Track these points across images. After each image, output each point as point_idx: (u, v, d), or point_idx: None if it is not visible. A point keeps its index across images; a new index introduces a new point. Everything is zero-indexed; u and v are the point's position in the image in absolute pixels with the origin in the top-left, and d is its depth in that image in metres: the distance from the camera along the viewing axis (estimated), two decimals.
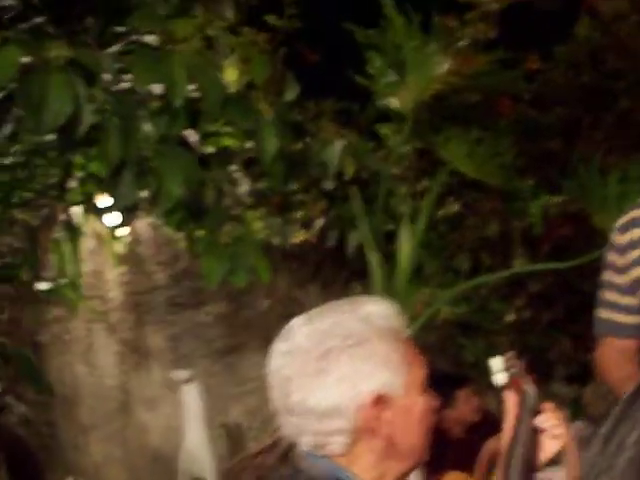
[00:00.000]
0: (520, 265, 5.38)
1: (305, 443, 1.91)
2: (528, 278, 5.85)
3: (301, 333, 1.91)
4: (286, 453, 5.02)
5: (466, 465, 4.70)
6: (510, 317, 6.02)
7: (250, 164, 4.92)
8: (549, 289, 5.83)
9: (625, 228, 2.77)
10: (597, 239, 5.07)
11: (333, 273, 6.14)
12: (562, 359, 6.90)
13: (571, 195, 4.82)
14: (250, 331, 5.76)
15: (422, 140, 4.75)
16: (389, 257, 4.95)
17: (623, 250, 2.76)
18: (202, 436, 4.49)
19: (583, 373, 5.92)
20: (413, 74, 4.17)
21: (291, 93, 4.35)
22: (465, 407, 5.02)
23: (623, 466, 2.53)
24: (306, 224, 5.68)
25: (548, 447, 2.16)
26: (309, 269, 6.12)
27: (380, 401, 1.87)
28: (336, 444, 1.89)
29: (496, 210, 5.34)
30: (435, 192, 4.81)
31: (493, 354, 2.18)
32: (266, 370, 1.94)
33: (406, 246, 4.90)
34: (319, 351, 1.87)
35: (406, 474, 1.98)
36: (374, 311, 1.94)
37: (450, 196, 5.36)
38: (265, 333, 5.73)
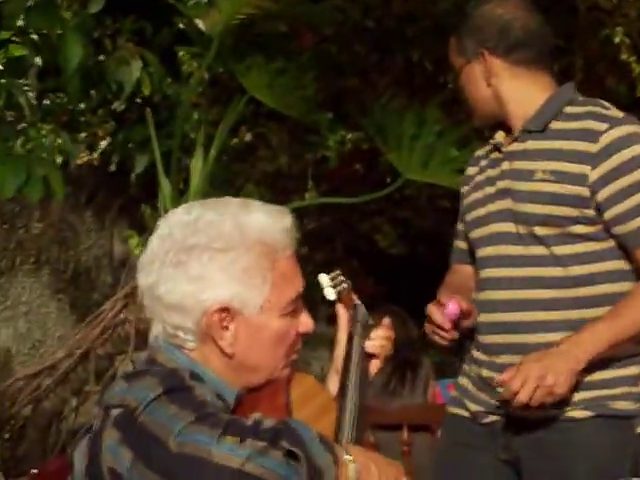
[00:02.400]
0: (311, 199, 5.43)
1: (158, 330, 1.89)
2: (305, 215, 5.90)
3: (177, 221, 1.87)
4: (65, 375, 4.92)
5: None
6: None
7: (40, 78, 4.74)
8: (326, 227, 5.91)
9: (467, 165, 2.99)
10: (385, 178, 5.22)
11: (109, 199, 5.99)
12: (327, 301, 7.03)
13: (368, 133, 4.90)
14: (22, 254, 5.56)
15: (224, 66, 4.69)
16: (177, 185, 4.89)
17: (462, 184, 2.94)
18: None
19: None
20: None
21: (96, 5, 4.22)
22: None
23: None
24: (90, 146, 5.50)
25: (376, 363, 2.25)
26: (85, 193, 5.95)
27: (225, 312, 1.83)
28: (185, 339, 1.86)
29: (289, 142, 5.36)
30: (230, 120, 4.77)
31: None
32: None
33: (197, 174, 4.85)
34: (185, 244, 1.82)
35: (260, 385, 1.96)
36: (257, 221, 1.87)
37: (243, 125, 5.33)
38: (37, 257, 5.56)
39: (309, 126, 5.02)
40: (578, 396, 2.57)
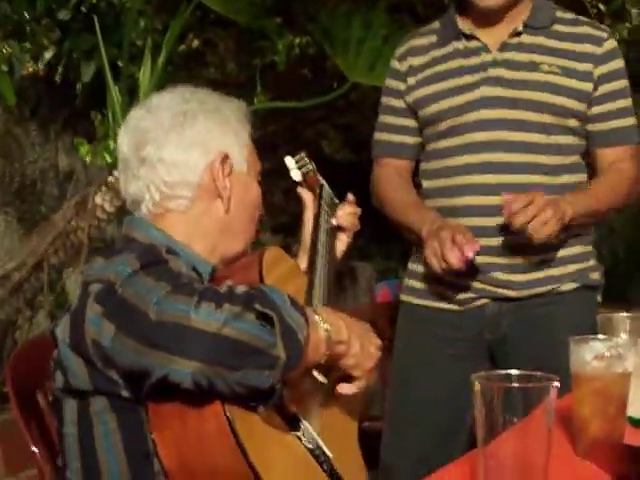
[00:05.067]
0: (259, 103, 5.45)
1: (148, 201, 2.01)
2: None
3: (162, 97, 2.05)
4: (18, 285, 4.93)
5: None
6: None
7: None
8: (271, 135, 5.92)
9: (404, 56, 3.04)
10: (332, 84, 5.26)
11: (53, 111, 5.95)
12: (272, 210, 7.09)
13: (315, 37, 4.94)
14: None
15: None
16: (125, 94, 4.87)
17: (403, 76, 3.00)
18: None
19: (290, 224, 6.14)
20: None
21: None
22: None
23: None
24: (35, 57, 5.44)
25: (343, 238, 2.43)
26: (29, 106, 5.90)
27: (225, 162, 2.02)
28: (180, 199, 2.00)
29: (237, 49, 5.36)
30: (177, 28, 4.76)
31: None
32: (120, 130, 2.02)
33: (145, 82, 4.85)
34: (179, 109, 2.00)
35: (231, 259, 2.08)
36: (228, 100, 2.11)
37: (190, 33, 5.32)
38: None
39: (257, 32, 5.04)
40: (565, 270, 2.83)
